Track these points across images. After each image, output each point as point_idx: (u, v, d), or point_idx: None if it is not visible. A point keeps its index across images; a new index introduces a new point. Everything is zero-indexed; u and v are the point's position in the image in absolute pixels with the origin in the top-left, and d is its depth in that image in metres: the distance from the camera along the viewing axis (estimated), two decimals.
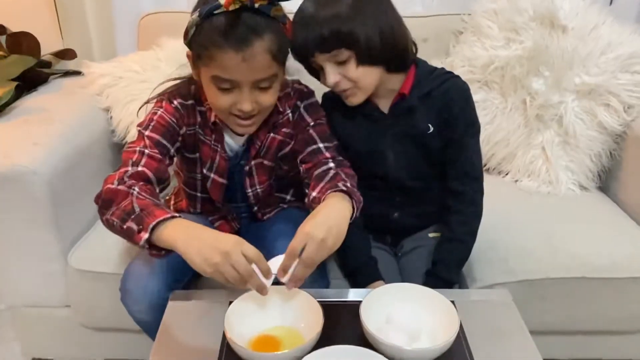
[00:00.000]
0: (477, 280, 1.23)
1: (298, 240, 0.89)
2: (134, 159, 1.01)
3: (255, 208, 1.24)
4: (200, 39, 0.96)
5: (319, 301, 0.92)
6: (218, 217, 1.25)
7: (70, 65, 1.70)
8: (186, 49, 1.04)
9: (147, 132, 1.05)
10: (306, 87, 1.17)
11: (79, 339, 1.39)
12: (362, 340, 0.88)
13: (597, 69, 1.50)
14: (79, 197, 1.33)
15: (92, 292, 1.28)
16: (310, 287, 0.97)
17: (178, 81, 1.15)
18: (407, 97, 1.13)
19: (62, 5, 1.67)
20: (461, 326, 0.95)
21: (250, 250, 0.86)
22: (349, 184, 1.01)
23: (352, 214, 0.98)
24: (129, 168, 1.00)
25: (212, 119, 1.10)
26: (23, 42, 1.58)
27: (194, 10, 0.98)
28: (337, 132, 1.16)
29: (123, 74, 1.54)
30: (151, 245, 0.89)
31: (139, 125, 1.08)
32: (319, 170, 1.08)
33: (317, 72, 1.11)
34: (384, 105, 1.16)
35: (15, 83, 1.39)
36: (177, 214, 0.91)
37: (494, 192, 1.50)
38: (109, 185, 0.96)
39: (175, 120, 1.08)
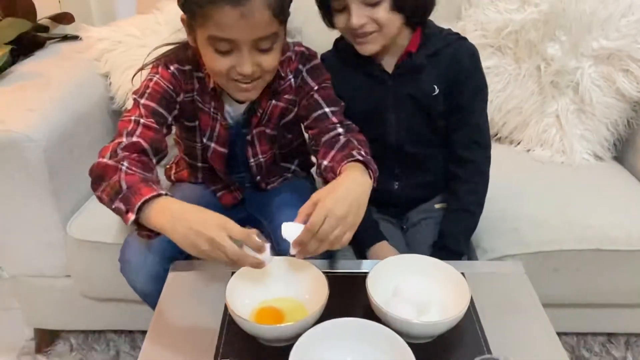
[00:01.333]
0: (487, 252, 1.20)
1: (318, 215, 0.83)
2: (129, 129, 0.97)
3: (259, 178, 1.19)
4: None
5: (324, 272, 0.89)
6: (221, 187, 1.21)
7: (67, 29, 1.65)
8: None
9: (142, 100, 1.01)
10: (308, 48, 1.11)
11: (80, 309, 1.38)
12: (369, 313, 0.85)
13: (617, 32, 1.43)
14: (77, 165, 1.29)
15: (91, 261, 1.26)
16: (314, 257, 0.93)
17: (173, 46, 1.09)
18: (413, 55, 1.08)
19: None
20: (471, 299, 0.91)
21: (236, 230, 0.81)
22: (363, 152, 0.96)
23: (371, 186, 0.93)
24: (124, 139, 0.95)
25: (211, 85, 1.04)
26: (18, 5, 1.52)
27: None
28: (339, 92, 1.10)
29: (122, 38, 1.48)
30: (140, 225, 0.86)
31: (135, 92, 1.03)
32: (328, 136, 1.03)
33: (330, 15, 1.05)
34: (389, 64, 1.10)
35: (10, 47, 1.34)
36: (163, 192, 0.86)
37: (506, 161, 1.47)
38: (100, 159, 0.92)
39: (172, 87, 1.03)
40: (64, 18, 1.63)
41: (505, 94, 1.53)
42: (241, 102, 1.08)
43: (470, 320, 0.88)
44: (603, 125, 1.48)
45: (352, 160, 0.93)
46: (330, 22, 1.07)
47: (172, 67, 1.04)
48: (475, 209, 1.13)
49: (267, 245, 0.84)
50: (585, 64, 1.46)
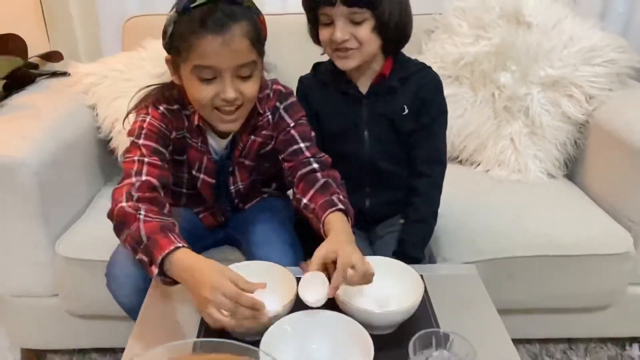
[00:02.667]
0: (447, 260, 1.30)
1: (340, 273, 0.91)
2: (136, 169, 1.03)
3: (237, 200, 1.28)
4: (180, 32, 1.00)
5: (295, 277, 0.97)
6: (203, 210, 1.29)
7: (56, 67, 1.75)
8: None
9: (141, 141, 1.06)
10: (284, 87, 1.20)
11: (66, 327, 1.44)
12: (335, 309, 0.92)
13: (561, 62, 1.59)
14: (66, 189, 1.39)
15: (79, 279, 1.33)
16: (284, 263, 1.03)
17: (156, 86, 1.16)
18: (387, 78, 1.20)
19: (48, 8, 1.73)
20: (428, 296, 1.01)
21: (228, 290, 0.85)
22: (342, 196, 1.06)
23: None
24: (133, 179, 1.01)
25: (196, 122, 1.11)
26: (10, 44, 1.63)
27: (170, 10, 1.03)
28: (315, 111, 1.22)
29: (108, 73, 1.59)
30: (164, 274, 0.93)
31: (129, 134, 1.09)
32: (303, 170, 1.12)
33: (316, 28, 1.16)
34: (364, 86, 1.22)
35: (4, 81, 1.44)
36: (180, 243, 0.92)
37: (466, 181, 1.59)
38: (120, 205, 0.98)
39: (164, 126, 1.10)
40: (53, 56, 1.74)
41: (464, 120, 1.66)
42: (223, 137, 1.17)
43: (426, 315, 0.97)
44: (553, 146, 1.61)
45: (334, 210, 1.02)
46: (315, 36, 1.19)
47: (161, 107, 1.11)
48: (430, 219, 1.24)
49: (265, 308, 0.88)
50: (534, 90, 1.61)
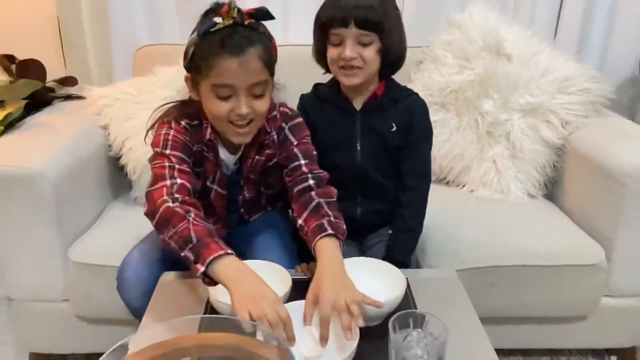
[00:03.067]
0: (433, 268, 1.40)
1: (324, 311, 0.96)
2: (169, 173, 1.11)
3: (242, 210, 1.38)
4: (201, 53, 1.10)
5: (292, 278, 1.08)
6: (212, 222, 1.34)
7: (71, 91, 1.88)
8: (183, 73, 1.18)
9: (168, 151, 1.15)
10: (291, 109, 1.30)
11: (75, 332, 1.52)
12: None
13: (538, 90, 1.72)
14: (80, 201, 1.50)
15: (89, 283, 1.42)
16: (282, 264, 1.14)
17: (174, 104, 1.26)
18: (379, 97, 1.34)
19: (66, 36, 1.87)
20: (411, 293, 1.12)
21: (283, 312, 0.92)
22: (332, 218, 1.13)
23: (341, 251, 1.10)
24: (168, 182, 1.09)
25: (207, 136, 1.20)
26: (31, 68, 1.76)
27: (192, 34, 1.14)
28: (314, 124, 1.35)
29: (120, 95, 1.71)
30: (205, 274, 0.99)
31: (154, 145, 1.17)
32: (300, 187, 1.21)
33: (324, 49, 1.29)
34: (358, 103, 1.36)
35: (26, 101, 1.56)
36: (230, 251, 1.00)
37: (453, 200, 1.71)
38: (166, 204, 1.05)
39: (188, 139, 1.19)
40: (69, 81, 1.87)
41: (450, 143, 1.78)
42: (233, 153, 1.27)
43: (408, 307, 1.07)
44: (533, 168, 1.73)
45: (324, 236, 1.09)
46: (320, 55, 1.32)
47: (183, 122, 1.20)
48: (416, 228, 1.35)
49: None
50: (515, 116, 1.73)
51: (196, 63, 1.12)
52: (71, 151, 1.48)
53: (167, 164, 1.13)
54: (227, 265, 0.99)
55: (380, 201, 1.40)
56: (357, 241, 1.45)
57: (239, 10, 1.10)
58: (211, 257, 0.98)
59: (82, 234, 1.50)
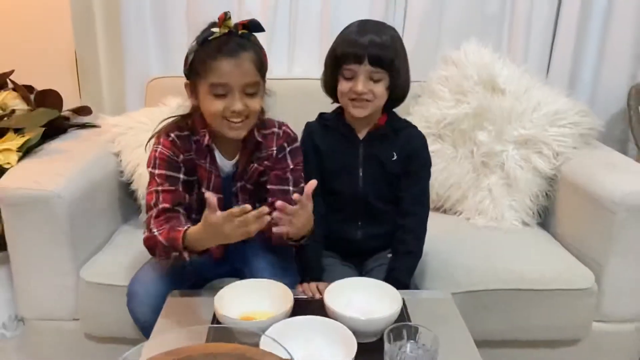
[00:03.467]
0: (428, 290, 1.45)
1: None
2: (153, 201, 1.26)
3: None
4: (200, 58, 1.22)
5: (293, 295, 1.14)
6: None
7: (85, 120, 1.97)
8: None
9: (155, 171, 1.29)
10: (292, 131, 1.40)
11: (84, 351, 1.57)
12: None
13: (531, 123, 1.80)
14: (92, 222, 1.57)
15: (100, 303, 1.48)
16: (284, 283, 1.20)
17: (176, 117, 1.37)
18: (381, 127, 1.43)
19: (82, 68, 1.98)
20: (407, 312, 1.17)
21: (224, 215, 1.09)
22: None
23: None
24: (153, 211, 1.25)
25: (206, 142, 1.30)
26: (48, 98, 1.85)
27: (192, 43, 1.26)
28: (319, 147, 1.43)
29: (133, 124, 1.80)
30: (192, 252, 1.18)
31: (148, 165, 1.31)
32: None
33: (335, 81, 1.37)
34: (361, 133, 1.44)
35: (43, 129, 1.65)
36: (182, 227, 1.18)
37: (449, 227, 1.77)
38: (145, 236, 1.25)
39: (173, 153, 1.30)
40: (83, 110, 1.96)
41: (447, 172, 1.86)
42: (229, 159, 1.35)
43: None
44: (527, 197, 1.80)
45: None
46: (329, 87, 1.41)
47: (172, 135, 1.31)
48: (417, 251, 1.42)
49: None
50: (509, 147, 1.81)
51: (195, 67, 1.24)
52: (85, 175, 1.56)
53: (153, 189, 1.28)
54: (192, 235, 1.16)
55: (380, 225, 1.47)
56: (356, 264, 1.51)
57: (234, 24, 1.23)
58: (180, 244, 1.16)
59: (93, 254, 1.56)
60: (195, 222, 1.43)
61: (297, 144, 1.40)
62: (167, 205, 1.25)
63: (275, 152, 1.36)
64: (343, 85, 1.37)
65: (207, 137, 1.31)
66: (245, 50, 1.22)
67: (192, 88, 1.29)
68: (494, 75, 1.85)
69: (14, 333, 1.91)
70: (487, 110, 1.83)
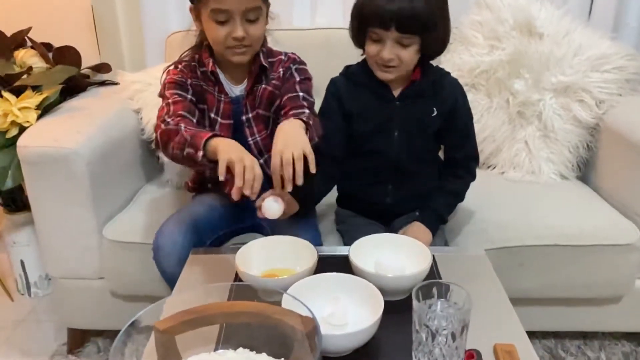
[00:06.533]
0: (460, 247, 1.39)
1: (274, 160, 1.10)
2: (165, 111, 1.25)
3: (262, 161, 1.38)
4: None
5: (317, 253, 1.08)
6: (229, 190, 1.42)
7: (105, 77, 1.93)
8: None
9: (165, 92, 1.30)
10: (300, 58, 1.39)
11: (110, 309, 1.57)
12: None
13: (571, 69, 1.68)
14: (113, 181, 1.54)
15: (123, 261, 1.46)
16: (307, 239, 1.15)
17: (185, 52, 1.39)
18: (417, 83, 1.32)
19: (100, 24, 1.92)
20: (437, 269, 1.12)
21: (258, 169, 1.07)
22: (310, 121, 1.20)
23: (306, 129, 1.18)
24: (164, 113, 1.24)
25: (210, 68, 1.31)
26: (67, 55, 1.81)
27: None
28: (349, 109, 1.33)
29: (152, 81, 1.74)
30: (208, 159, 1.13)
31: (159, 95, 1.33)
32: (294, 111, 1.26)
33: (363, 38, 1.27)
34: (396, 90, 1.33)
35: (62, 86, 1.61)
36: (217, 132, 1.18)
37: (482, 182, 1.67)
38: (162, 127, 1.21)
39: (180, 75, 1.32)
40: (103, 68, 1.92)
41: (480, 125, 1.76)
42: (237, 84, 1.35)
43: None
44: (565, 149, 1.70)
45: (295, 115, 1.21)
46: (359, 44, 1.31)
47: (180, 65, 1.34)
48: (462, 193, 1.39)
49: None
50: (546, 96, 1.70)
51: None
52: (105, 132, 1.52)
53: (164, 102, 1.28)
54: (218, 140, 1.12)
55: (410, 187, 1.39)
56: (384, 224, 1.45)
57: None
58: (203, 141, 1.11)
59: (116, 213, 1.54)
60: (211, 179, 1.42)
61: (305, 66, 1.38)
62: (181, 112, 1.24)
63: (281, 72, 1.36)
64: (370, 47, 1.26)
65: (210, 64, 1.32)
66: None
67: (196, 13, 1.28)
68: (531, 19, 1.73)
69: (45, 292, 1.94)
70: (524, 57, 1.71)
